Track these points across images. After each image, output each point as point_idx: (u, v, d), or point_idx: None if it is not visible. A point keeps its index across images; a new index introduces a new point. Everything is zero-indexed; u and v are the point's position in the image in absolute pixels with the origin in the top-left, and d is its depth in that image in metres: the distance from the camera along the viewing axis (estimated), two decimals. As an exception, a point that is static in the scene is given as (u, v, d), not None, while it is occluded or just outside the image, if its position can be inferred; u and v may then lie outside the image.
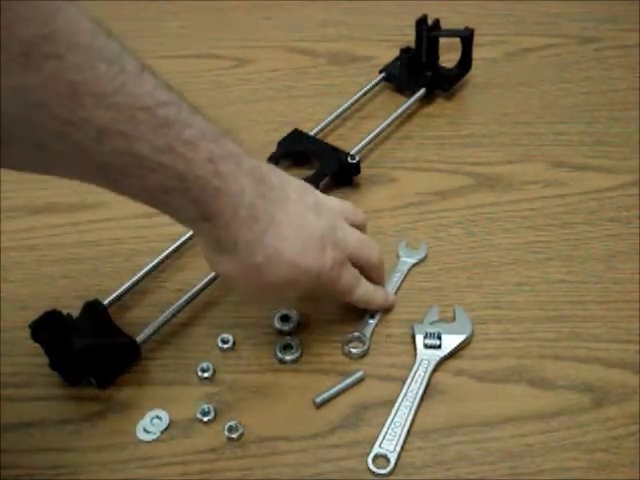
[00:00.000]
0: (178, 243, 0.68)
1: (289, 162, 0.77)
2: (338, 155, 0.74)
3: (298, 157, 0.77)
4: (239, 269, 0.53)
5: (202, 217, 0.50)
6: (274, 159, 0.75)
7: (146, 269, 0.66)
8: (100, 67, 0.41)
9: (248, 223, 0.51)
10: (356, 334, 0.62)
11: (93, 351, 0.57)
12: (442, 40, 0.83)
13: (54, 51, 0.39)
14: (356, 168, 0.74)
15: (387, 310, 0.64)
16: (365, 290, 0.61)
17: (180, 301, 0.63)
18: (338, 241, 0.57)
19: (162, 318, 0.62)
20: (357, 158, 0.74)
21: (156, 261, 0.67)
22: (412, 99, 0.82)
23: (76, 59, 0.40)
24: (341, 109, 0.81)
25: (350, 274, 0.59)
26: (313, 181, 0.72)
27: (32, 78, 0.39)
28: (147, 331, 0.61)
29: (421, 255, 0.68)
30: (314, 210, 0.56)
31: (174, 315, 0.63)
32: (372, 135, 0.77)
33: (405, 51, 0.84)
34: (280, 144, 0.76)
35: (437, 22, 0.82)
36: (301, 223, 0.54)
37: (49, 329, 0.57)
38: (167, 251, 0.67)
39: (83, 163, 0.44)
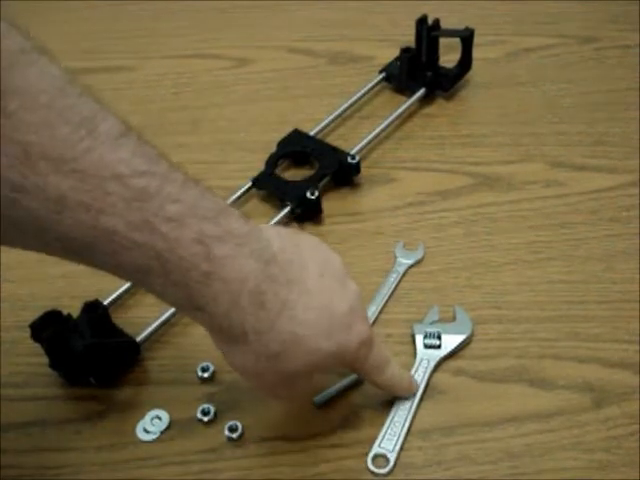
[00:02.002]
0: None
1: (289, 162, 0.77)
2: (338, 155, 0.74)
3: (298, 157, 0.77)
4: (252, 361, 0.47)
5: (192, 305, 0.44)
6: (274, 159, 0.75)
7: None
8: (61, 129, 0.37)
9: (254, 311, 0.45)
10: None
11: (93, 351, 0.57)
12: (442, 40, 0.83)
13: (1, 109, 0.36)
14: (356, 168, 0.74)
15: (386, 310, 0.64)
16: (392, 373, 0.55)
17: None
18: (366, 312, 0.52)
19: (162, 318, 0.62)
20: (357, 158, 0.74)
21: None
22: (412, 99, 0.82)
23: (30, 119, 0.37)
24: (341, 109, 0.81)
25: (378, 353, 0.53)
26: (313, 181, 0.72)
27: None
28: (147, 331, 0.61)
29: (418, 256, 0.68)
30: (339, 280, 0.49)
31: (174, 315, 0.63)
32: (372, 135, 0.77)
33: (405, 51, 0.84)
34: (280, 144, 0.76)
35: (437, 22, 0.82)
36: (323, 301, 0.47)
37: (49, 329, 0.57)
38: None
39: (42, 235, 0.40)
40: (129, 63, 0.91)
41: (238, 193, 0.72)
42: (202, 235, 0.42)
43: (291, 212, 0.71)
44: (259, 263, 0.44)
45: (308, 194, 0.70)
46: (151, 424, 0.57)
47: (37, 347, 0.58)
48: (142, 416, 0.58)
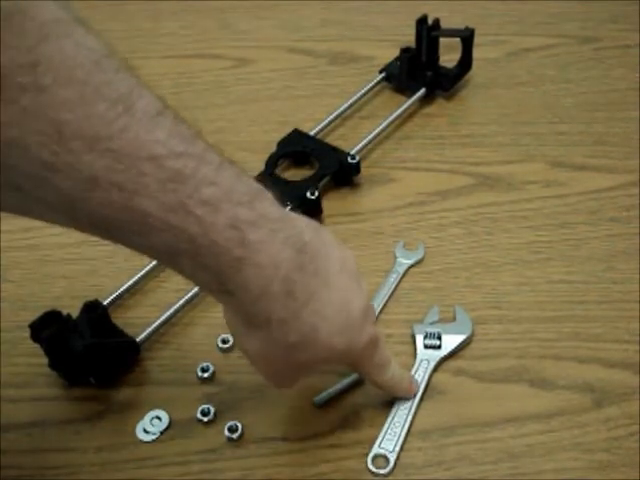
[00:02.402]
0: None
1: (289, 162, 0.77)
2: (338, 155, 0.74)
3: (298, 157, 0.77)
4: (269, 349, 0.47)
5: (222, 289, 0.43)
6: (274, 159, 0.75)
7: (146, 269, 0.66)
8: (97, 106, 0.36)
9: (283, 299, 0.44)
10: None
11: (93, 351, 0.57)
12: (442, 40, 0.83)
13: (34, 83, 0.34)
14: (356, 168, 0.74)
15: (386, 310, 0.64)
16: (393, 374, 0.55)
17: (180, 301, 0.63)
18: (374, 312, 0.52)
19: (162, 318, 0.62)
20: (357, 158, 0.74)
21: (156, 261, 0.66)
22: (412, 99, 0.82)
23: (65, 94, 0.35)
24: (341, 109, 0.81)
25: (381, 353, 0.53)
26: (313, 181, 0.72)
27: (2, 112, 0.34)
28: (147, 331, 0.61)
29: (418, 256, 0.68)
30: (355, 278, 0.49)
31: (174, 315, 0.63)
32: (372, 135, 0.77)
33: (405, 51, 0.84)
34: (280, 144, 0.76)
35: (437, 22, 0.82)
36: (343, 298, 0.47)
37: (49, 329, 0.57)
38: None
39: (71, 212, 0.39)
40: (129, 63, 0.91)
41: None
42: (236, 220, 0.41)
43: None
44: (292, 250, 0.44)
45: (308, 194, 0.70)
46: (151, 424, 0.57)
47: (37, 347, 0.58)
48: (142, 416, 0.58)
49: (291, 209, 0.70)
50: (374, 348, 0.51)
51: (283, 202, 0.71)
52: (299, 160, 0.77)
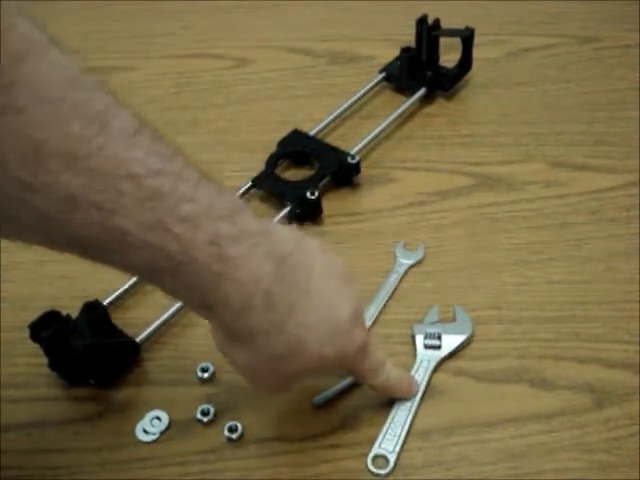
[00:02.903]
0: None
1: (289, 162, 0.77)
2: (338, 155, 0.74)
3: (298, 157, 0.77)
4: (256, 361, 0.47)
5: (203, 304, 0.44)
6: (274, 159, 0.75)
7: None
8: (73, 125, 0.36)
9: (264, 313, 0.44)
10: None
11: (93, 351, 0.57)
12: (442, 40, 0.83)
13: (11, 104, 0.34)
14: (356, 168, 0.74)
15: (386, 310, 0.64)
16: (388, 375, 0.55)
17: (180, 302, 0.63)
18: (364, 316, 0.52)
19: (162, 318, 0.62)
20: (357, 158, 0.74)
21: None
22: (412, 99, 0.82)
23: (42, 114, 0.35)
24: (341, 109, 0.81)
25: (374, 357, 0.53)
26: (313, 181, 0.72)
27: None
28: (147, 331, 0.61)
29: (418, 257, 0.68)
30: (343, 283, 0.49)
31: (174, 315, 0.63)
32: (372, 135, 0.77)
33: (405, 50, 0.84)
34: (280, 144, 0.76)
35: (437, 22, 0.82)
36: (329, 305, 0.47)
37: (48, 329, 0.57)
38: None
39: (48, 232, 0.39)
40: (129, 63, 0.91)
41: (238, 193, 0.72)
42: (216, 236, 0.41)
43: (291, 212, 0.71)
44: (273, 264, 0.44)
45: (308, 194, 0.70)
46: (151, 425, 0.57)
47: (37, 347, 0.58)
48: (142, 417, 0.58)
49: (291, 209, 0.70)
50: (366, 352, 0.51)
51: (283, 202, 0.71)
52: (299, 160, 0.77)
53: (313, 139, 0.77)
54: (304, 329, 0.46)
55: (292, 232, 0.48)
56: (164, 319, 0.62)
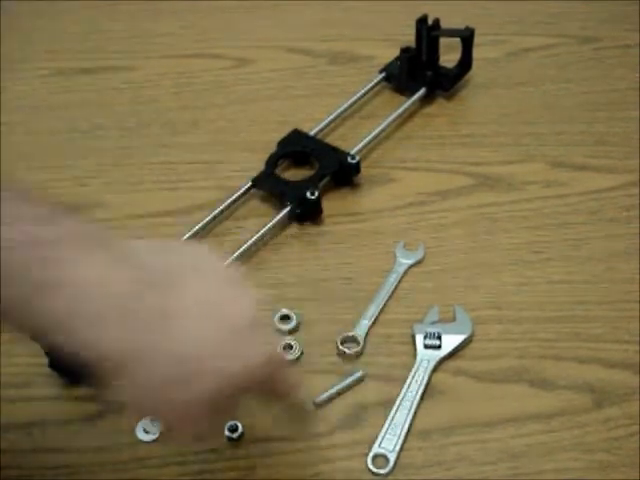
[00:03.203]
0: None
1: (289, 162, 0.77)
2: (338, 155, 0.74)
3: (298, 157, 0.77)
4: (146, 392, 0.40)
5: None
6: (274, 159, 0.75)
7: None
8: None
9: (126, 326, 0.39)
10: (350, 334, 0.62)
11: None
12: (442, 39, 0.82)
13: None
14: (356, 168, 0.74)
15: (386, 310, 0.64)
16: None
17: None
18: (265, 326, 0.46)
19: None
20: (357, 158, 0.74)
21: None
22: (412, 99, 0.82)
23: None
24: (341, 109, 0.81)
25: (287, 374, 0.47)
26: (313, 181, 0.72)
27: None
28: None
29: (418, 257, 0.68)
30: (233, 288, 0.43)
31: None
32: (372, 135, 0.77)
33: (405, 51, 0.84)
34: (280, 144, 0.76)
35: (437, 22, 0.81)
36: (215, 313, 0.41)
37: None
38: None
39: None
40: (129, 63, 0.91)
41: (238, 193, 0.72)
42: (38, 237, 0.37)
43: (291, 212, 0.71)
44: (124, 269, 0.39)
45: (308, 194, 0.70)
46: (151, 424, 0.57)
47: (37, 347, 0.58)
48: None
49: (291, 209, 0.70)
50: (278, 362, 0.46)
51: (283, 202, 0.71)
52: (299, 160, 0.77)
53: (313, 139, 0.77)
54: (189, 345, 0.40)
55: (152, 242, 0.43)
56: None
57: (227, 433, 0.56)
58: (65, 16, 0.99)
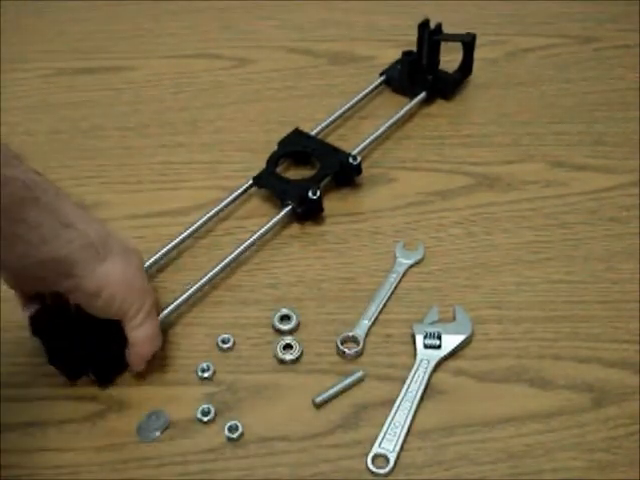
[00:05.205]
0: (177, 242, 0.68)
1: (290, 162, 0.77)
2: (339, 156, 0.74)
3: (299, 157, 0.77)
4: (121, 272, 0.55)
5: (62, 223, 0.51)
6: (275, 158, 0.75)
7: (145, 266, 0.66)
8: None
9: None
10: (350, 334, 0.62)
11: (93, 345, 0.57)
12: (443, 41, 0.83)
13: None
14: (357, 169, 0.74)
15: (386, 310, 0.64)
16: (147, 335, 0.59)
17: (179, 301, 0.63)
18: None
19: (161, 317, 0.61)
20: (359, 159, 0.74)
21: (155, 261, 0.66)
22: (413, 102, 0.82)
23: None
24: (342, 110, 0.81)
25: (152, 312, 0.59)
26: (314, 181, 0.72)
27: None
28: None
29: (418, 256, 0.68)
30: (138, 266, 0.59)
31: (174, 311, 0.63)
32: (372, 136, 0.77)
33: (406, 54, 0.84)
34: (281, 144, 0.76)
35: (439, 26, 0.82)
36: (126, 265, 0.57)
37: (49, 323, 0.57)
38: (166, 250, 0.67)
39: None
40: (129, 63, 0.91)
41: (239, 191, 0.72)
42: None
43: (292, 211, 0.71)
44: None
45: (310, 194, 0.70)
46: (151, 424, 0.57)
47: (37, 347, 0.58)
48: (141, 416, 0.58)
49: (292, 208, 0.70)
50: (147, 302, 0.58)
51: (284, 201, 0.71)
52: (300, 160, 0.77)
53: (314, 139, 0.77)
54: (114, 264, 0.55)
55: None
56: (163, 318, 0.62)
57: (227, 433, 0.56)
58: (65, 16, 0.99)
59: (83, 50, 0.93)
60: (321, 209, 0.71)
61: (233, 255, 0.66)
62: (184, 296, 0.63)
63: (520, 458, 0.55)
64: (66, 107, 0.85)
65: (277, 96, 0.86)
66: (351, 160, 0.74)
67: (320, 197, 0.70)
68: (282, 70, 0.90)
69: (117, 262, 0.55)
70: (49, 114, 0.84)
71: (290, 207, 0.71)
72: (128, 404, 0.59)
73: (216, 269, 0.65)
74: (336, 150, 0.75)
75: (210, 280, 0.65)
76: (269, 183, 0.73)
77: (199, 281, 0.64)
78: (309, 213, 0.71)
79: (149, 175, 0.77)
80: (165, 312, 0.62)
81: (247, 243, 0.67)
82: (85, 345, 0.57)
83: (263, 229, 0.69)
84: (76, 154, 0.80)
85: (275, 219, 0.70)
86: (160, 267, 0.68)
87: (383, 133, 0.79)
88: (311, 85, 0.88)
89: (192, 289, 0.64)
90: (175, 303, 0.62)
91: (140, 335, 0.57)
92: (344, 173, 0.74)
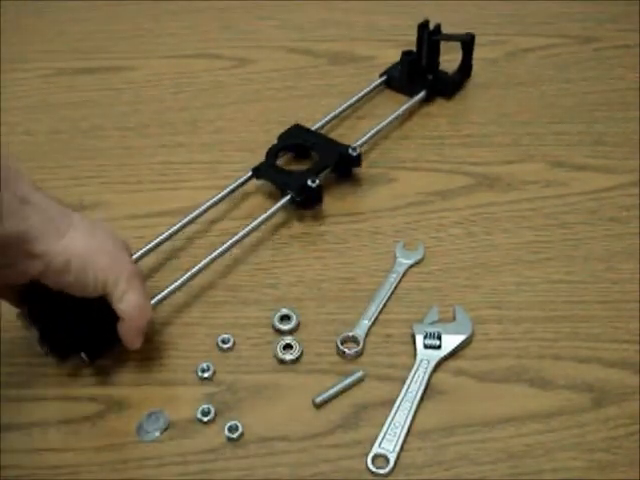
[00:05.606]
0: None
1: (289, 156, 0.77)
2: (339, 148, 0.74)
3: (298, 150, 0.77)
4: (85, 242, 0.54)
5: (21, 199, 0.51)
6: (274, 151, 0.75)
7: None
8: None
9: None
10: (350, 334, 0.62)
11: (84, 323, 0.57)
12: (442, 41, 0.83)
13: None
14: (357, 160, 0.74)
15: (386, 310, 0.64)
16: (136, 305, 0.58)
17: (177, 284, 0.62)
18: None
19: (155, 302, 0.60)
20: (358, 150, 0.73)
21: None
22: (412, 101, 0.82)
23: None
24: (341, 109, 0.81)
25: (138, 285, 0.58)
26: (314, 171, 0.72)
27: None
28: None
29: (418, 256, 0.68)
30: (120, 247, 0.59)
31: (174, 315, 0.63)
32: (372, 135, 0.77)
33: (406, 54, 0.84)
34: (280, 137, 0.76)
35: (438, 27, 0.82)
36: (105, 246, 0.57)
37: (40, 302, 0.56)
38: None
39: None
40: (129, 63, 0.91)
41: (238, 182, 0.72)
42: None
43: (292, 200, 0.70)
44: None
45: (309, 182, 0.70)
46: (150, 424, 0.57)
47: (37, 347, 0.58)
48: (141, 416, 0.58)
49: (292, 197, 0.70)
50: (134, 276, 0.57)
51: (284, 191, 0.71)
52: (299, 154, 0.77)
53: (314, 133, 0.77)
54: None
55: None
56: (164, 318, 0.62)
57: (227, 433, 0.56)
58: (65, 16, 0.99)
59: (83, 50, 0.93)
60: (320, 199, 0.71)
61: (235, 238, 0.66)
62: (180, 281, 0.62)
63: (520, 458, 0.55)
64: (66, 107, 0.85)
65: (277, 96, 0.87)
66: (350, 151, 0.73)
67: (320, 185, 0.70)
68: (282, 70, 0.90)
69: (79, 233, 0.54)
70: (49, 114, 0.84)
71: (290, 196, 0.70)
72: (128, 404, 0.59)
73: (215, 253, 0.64)
74: (335, 143, 0.75)
75: (209, 264, 0.64)
76: (268, 174, 0.73)
77: (198, 264, 0.63)
78: (309, 202, 0.71)
79: (149, 175, 0.77)
80: (160, 295, 0.61)
81: (248, 228, 0.67)
82: (74, 321, 0.56)
83: (264, 215, 0.68)
84: (76, 154, 0.80)
85: (275, 207, 0.69)
86: (159, 267, 0.68)
87: (383, 129, 0.79)
88: (311, 85, 0.88)
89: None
90: (173, 286, 0.62)
91: (126, 306, 0.56)
92: (344, 164, 0.74)
